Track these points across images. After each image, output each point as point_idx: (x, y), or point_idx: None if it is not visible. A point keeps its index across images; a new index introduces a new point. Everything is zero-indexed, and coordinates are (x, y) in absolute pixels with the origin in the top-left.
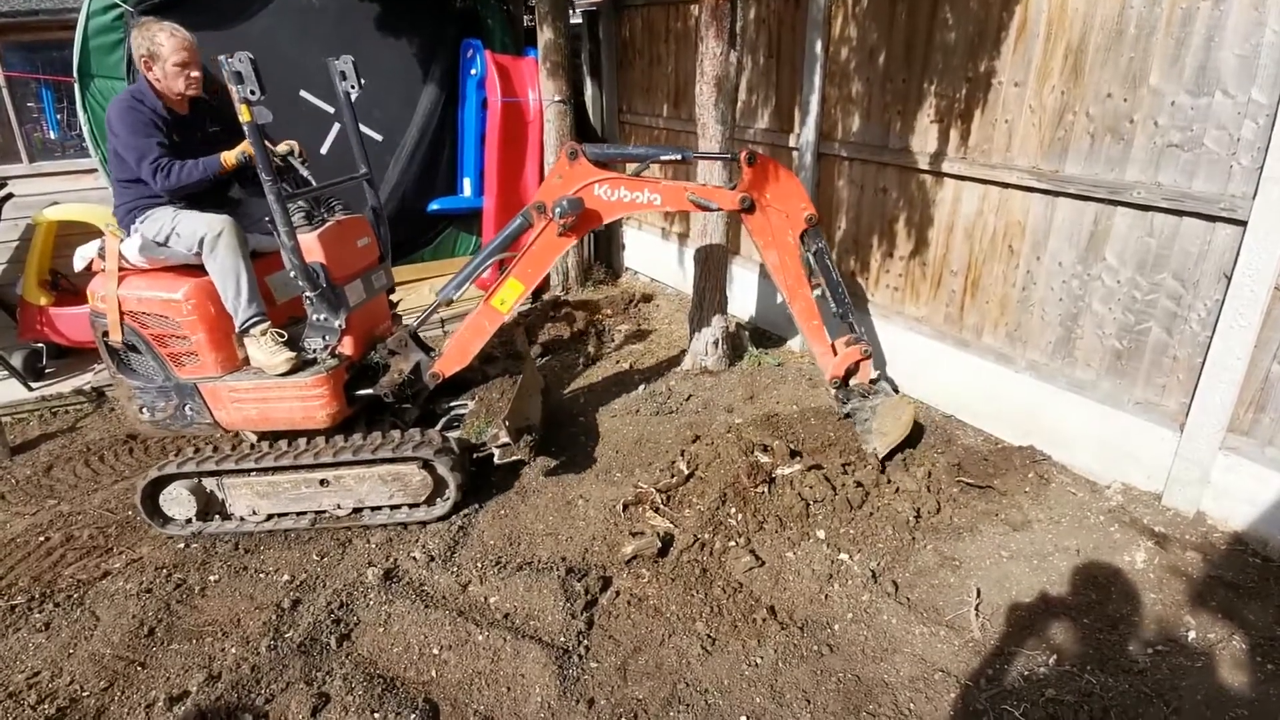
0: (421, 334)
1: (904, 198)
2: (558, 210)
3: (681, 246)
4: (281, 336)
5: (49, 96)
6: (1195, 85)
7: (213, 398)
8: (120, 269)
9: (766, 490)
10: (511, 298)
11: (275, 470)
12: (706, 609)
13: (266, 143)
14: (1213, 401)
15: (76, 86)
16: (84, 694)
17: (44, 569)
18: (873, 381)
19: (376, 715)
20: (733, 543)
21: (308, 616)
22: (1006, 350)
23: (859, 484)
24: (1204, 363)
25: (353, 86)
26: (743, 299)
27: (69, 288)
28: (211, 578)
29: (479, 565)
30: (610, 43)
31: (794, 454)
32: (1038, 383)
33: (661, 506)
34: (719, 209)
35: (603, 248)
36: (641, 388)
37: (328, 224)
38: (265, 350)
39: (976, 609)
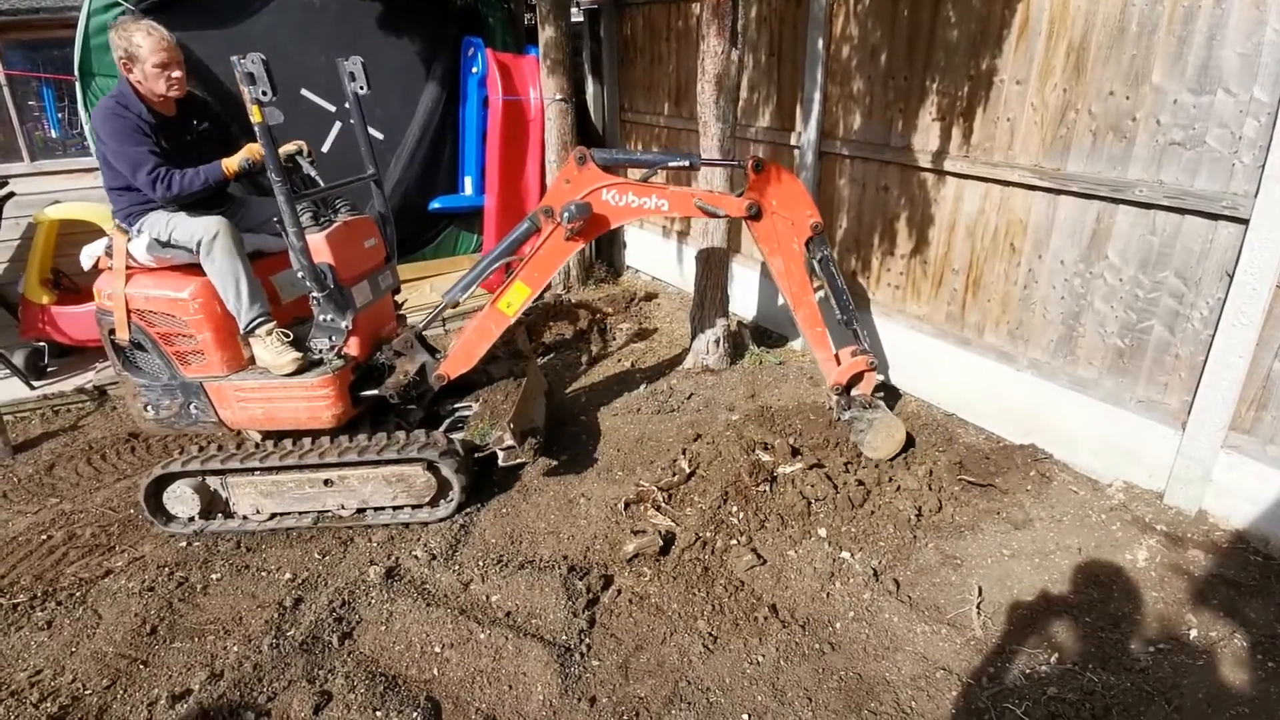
0: (425, 335)
1: (906, 196)
2: (565, 215)
3: (683, 245)
4: (287, 336)
5: (50, 95)
6: (1197, 83)
7: (218, 396)
8: (127, 267)
9: (768, 489)
10: (518, 301)
11: (280, 470)
12: (708, 607)
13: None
14: (1215, 400)
15: (78, 85)
16: (86, 692)
17: (46, 567)
18: (874, 393)
19: (379, 713)
20: (734, 541)
21: (310, 615)
22: (1008, 348)
23: (860, 482)
24: (1206, 361)
25: (361, 87)
26: (744, 297)
27: (70, 287)
28: (214, 576)
29: (481, 564)
30: (611, 41)
31: (795, 452)
32: (1039, 381)
33: (663, 505)
34: (726, 216)
35: (604, 246)
36: (643, 386)
37: (335, 225)
38: (271, 350)
39: (978, 607)
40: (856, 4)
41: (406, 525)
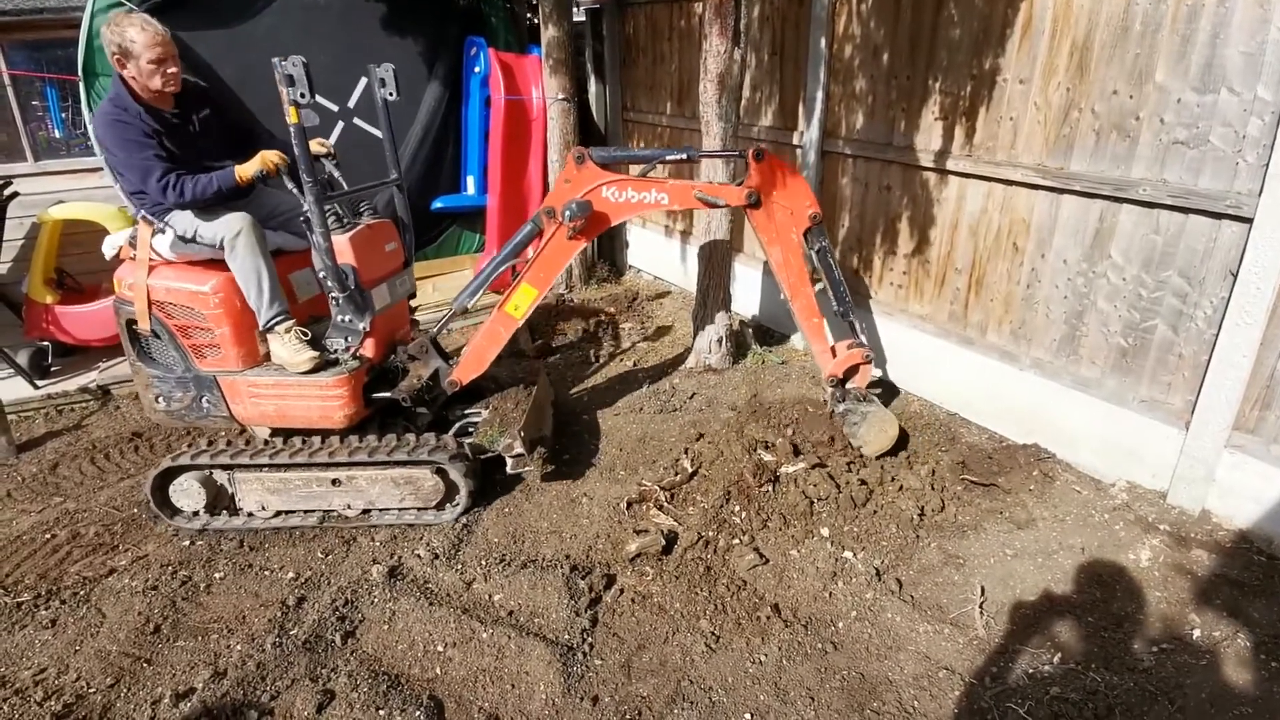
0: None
1: (908, 195)
2: (567, 214)
3: (685, 244)
4: (305, 335)
5: (54, 95)
6: (1201, 82)
7: (231, 391)
8: (150, 260)
9: (770, 488)
10: (525, 303)
11: (289, 467)
12: (710, 607)
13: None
14: (1218, 399)
15: (81, 85)
16: (90, 691)
17: (50, 566)
18: (870, 388)
19: (381, 712)
20: (737, 540)
21: (313, 614)
22: (1011, 348)
23: (863, 482)
24: (1209, 360)
25: (391, 94)
26: (746, 297)
27: (74, 286)
28: (217, 575)
29: (483, 563)
30: (614, 40)
31: (797, 451)
32: (1042, 380)
33: (665, 504)
34: (726, 206)
35: (606, 246)
36: (645, 386)
37: (359, 227)
38: (289, 348)
39: (981, 607)
40: (859, 3)
41: (411, 525)
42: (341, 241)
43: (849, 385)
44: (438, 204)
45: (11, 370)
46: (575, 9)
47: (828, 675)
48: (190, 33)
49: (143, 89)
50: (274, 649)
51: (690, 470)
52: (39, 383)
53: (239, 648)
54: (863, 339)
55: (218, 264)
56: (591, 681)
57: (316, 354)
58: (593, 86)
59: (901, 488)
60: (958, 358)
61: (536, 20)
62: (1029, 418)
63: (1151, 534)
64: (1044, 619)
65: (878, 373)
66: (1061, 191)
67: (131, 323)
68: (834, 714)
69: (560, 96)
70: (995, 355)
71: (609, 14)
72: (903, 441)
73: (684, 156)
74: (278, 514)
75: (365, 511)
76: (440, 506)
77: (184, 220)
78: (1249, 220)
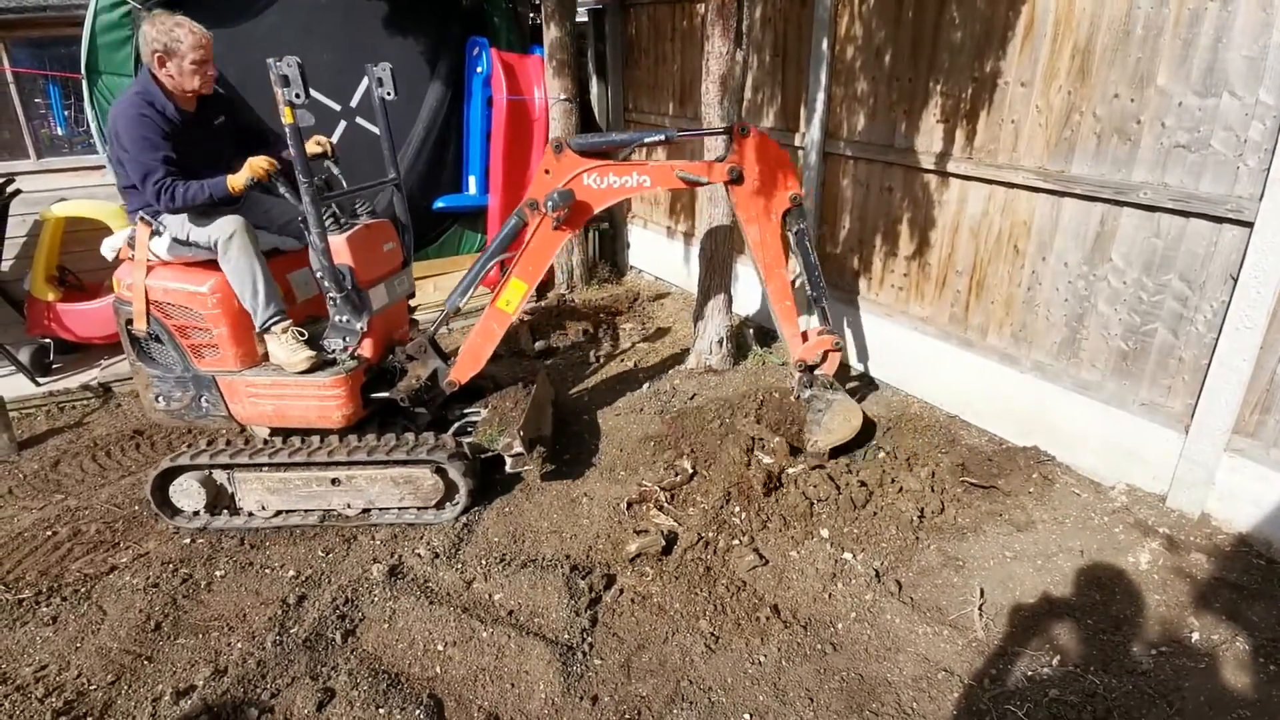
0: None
1: (909, 197)
2: (549, 204)
3: (686, 245)
4: (302, 335)
5: (56, 93)
6: (1203, 86)
7: (229, 391)
8: (148, 261)
9: (770, 489)
10: (516, 298)
11: (288, 467)
12: (710, 607)
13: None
14: (1218, 403)
15: (84, 83)
16: (91, 687)
17: (51, 563)
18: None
19: (381, 710)
20: (736, 541)
21: (313, 612)
22: (1011, 350)
23: (863, 484)
24: (1210, 364)
25: (389, 93)
26: (748, 298)
27: (76, 284)
28: (217, 573)
29: (484, 562)
30: (616, 41)
31: (795, 451)
32: (1042, 383)
33: (665, 505)
34: (708, 182)
35: (607, 246)
36: (646, 386)
37: (356, 227)
38: (286, 348)
39: (980, 609)
40: (861, 5)
41: (411, 525)
42: (338, 242)
43: (817, 372)
44: (439, 204)
45: (13, 367)
46: (578, 9)
47: (827, 676)
48: None
49: (176, 88)
50: (274, 647)
51: (690, 471)
52: (41, 380)
53: (240, 645)
54: (832, 326)
55: (215, 265)
56: (591, 681)
57: (313, 354)
58: (595, 87)
59: (901, 489)
60: (958, 360)
61: (539, 20)
62: (1029, 420)
63: (1151, 537)
64: (1043, 621)
65: (876, 372)
66: (1062, 194)
67: (130, 323)
68: (833, 715)
69: (562, 97)
70: (995, 357)
71: (611, 14)
72: (867, 432)
73: (662, 138)
74: (278, 513)
75: (365, 511)
76: (440, 506)
77: (177, 223)
78: (1250, 224)
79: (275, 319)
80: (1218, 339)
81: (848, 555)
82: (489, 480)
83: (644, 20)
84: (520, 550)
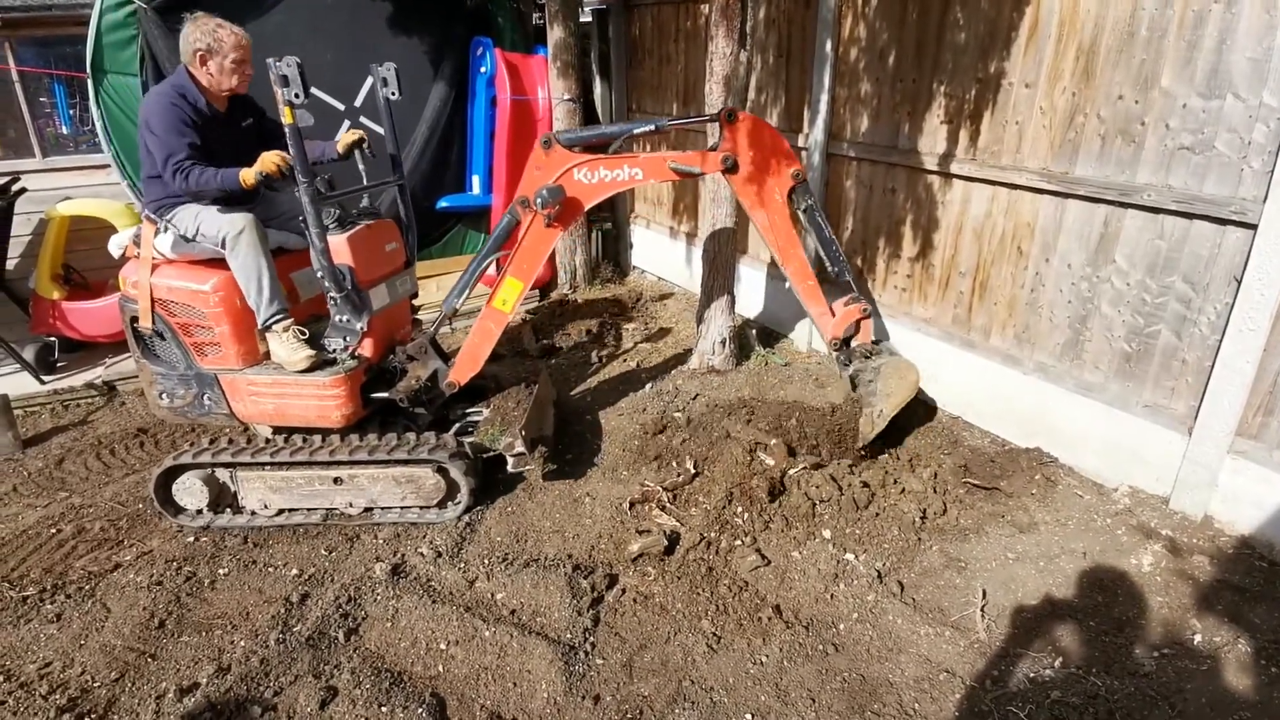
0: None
1: (913, 198)
2: (539, 201)
3: (689, 245)
4: (303, 334)
5: (62, 91)
6: (1207, 88)
7: (231, 389)
8: (153, 259)
9: (772, 490)
10: (512, 296)
11: (291, 465)
12: (712, 607)
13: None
14: (1221, 405)
15: (89, 82)
16: (95, 685)
17: (55, 561)
18: (875, 342)
19: (384, 709)
20: (739, 542)
21: (316, 610)
22: (1014, 352)
23: (865, 484)
24: (1213, 366)
25: (393, 93)
26: (750, 298)
27: (81, 282)
28: (221, 571)
29: (486, 562)
30: (620, 41)
31: (793, 453)
32: (1045, 384)
33: (668, 505)
34: (702, 173)
35: (610, 247)
36: (648, 386)
37: (358, 227)
38: (287, 346)
39: (982, 610)
40: (865, 6)
41: (414, 524)
42: (339, 241)
43: (854, 344)
44: (443, 203)
45: (18, 365)
46: (581, 10)
47: (829, 676)
48: None
49: (214, 85)
50: (278, 645)
51: (693, 471)
52: (45, 378)
53: (243, 643)
54: (858, 294)
55: (218, 263)
56: (593, 681)
57: (313, 353)
58: (598, 87)
59: (903, 490)
60: (961, 361)
61: (543, 21)
62: (1032, 421)
63: (1154, 539)
64: (1045, 623)
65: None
66: (1066, 196)
67: (135, 320)
68: (835, 715)
69: (566, 97)
70: (998, 359)
71: (615, 15)
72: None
73: (651, 128)
74: (280, 512)
75: (367, 510)
76: (442, 505)
77: (186, 217)
78: (1254, 226)
79: (277, 317)
80: (1221, 341)
81: (850, 556)
82: (491, 480)
83: (648, 21)
84: (523, 550)
